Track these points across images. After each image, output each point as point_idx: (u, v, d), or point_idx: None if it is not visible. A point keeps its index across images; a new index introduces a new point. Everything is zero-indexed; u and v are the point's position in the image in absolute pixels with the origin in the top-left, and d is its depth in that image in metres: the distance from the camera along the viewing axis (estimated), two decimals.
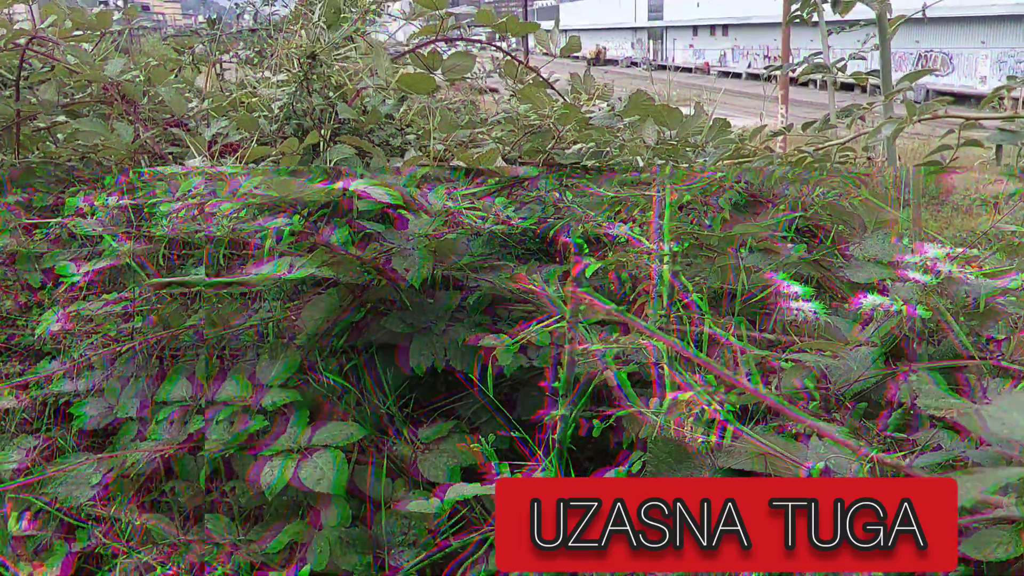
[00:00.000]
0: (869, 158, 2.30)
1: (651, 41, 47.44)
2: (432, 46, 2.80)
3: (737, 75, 34.66)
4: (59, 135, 3.11)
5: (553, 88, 2.89)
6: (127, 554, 1.97)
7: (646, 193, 2.01)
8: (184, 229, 2.15)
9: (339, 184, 1.99)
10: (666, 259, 1.33)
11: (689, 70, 38.84)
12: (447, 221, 2.14)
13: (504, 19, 2.74)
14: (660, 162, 2.15)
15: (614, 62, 43.14)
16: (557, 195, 2.40)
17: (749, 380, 1.52)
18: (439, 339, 2.24)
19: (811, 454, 1.35)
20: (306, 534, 2.07)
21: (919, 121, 1.66)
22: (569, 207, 2.25)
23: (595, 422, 1.62)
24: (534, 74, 2.94)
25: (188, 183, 2.05)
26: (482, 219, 2.10)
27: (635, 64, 40.87)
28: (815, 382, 1.63)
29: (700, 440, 1.54)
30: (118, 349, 2.35)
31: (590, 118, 2.45)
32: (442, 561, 2.05)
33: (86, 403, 2.31)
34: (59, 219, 2.55)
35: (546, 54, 2.96)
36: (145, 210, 2.21)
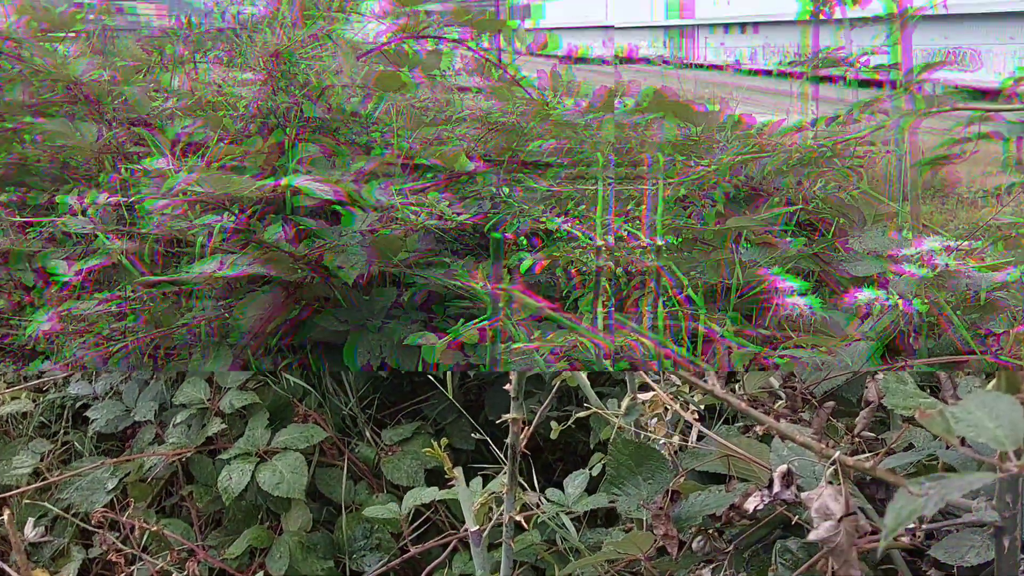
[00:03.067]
0: (888, 152, 2.21)
1: (683, 39, 47.18)
2: (400, 44, 2.72)
3: (768, 72, 34.31)
4: (26, 136, 3.01)
5: (521, 85, 2.80)
6: (142, 560, 1.90)
7: (580, 188, 1.92)
8: (170, 226, 2.07)
9: (272, 180, 1.90)
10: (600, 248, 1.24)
11: (720, 68, 38.50)
12: (382, 217, 2.05)
13: (470, 16, 2.66)
14: (682, 158, 2.06)
15: (646, 60, 42.81)
16: (495, 190, 2.30)
17: (718, 381, 1.43)
18: (375, 337, 2.14)
19: (774, 456, 1.27)
20: (267, 539, 1.98)
21: (934, 114, 1.57)
22: (508, 201, 2.16)
23: (552, 424, 1.54)
24: (503, 72, 2.86)
25: (173, 179, 1.96)
26: (416, 214, 2.01)
27: (667, 62, 40.52)
28: (781, 381, 1.54)
29: (662, 441, 1.46)
30: (110, 349, 2.27)
31: (560, 115, 2.37)
32: (407, 566, 1.97)
33: (103, 406, 2.23)
34: (51, 218, 2.47)
35: (521, 53, 2.88)
36: (136, 208, 2.13)
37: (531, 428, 1.47)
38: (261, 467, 1.94)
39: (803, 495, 1.12)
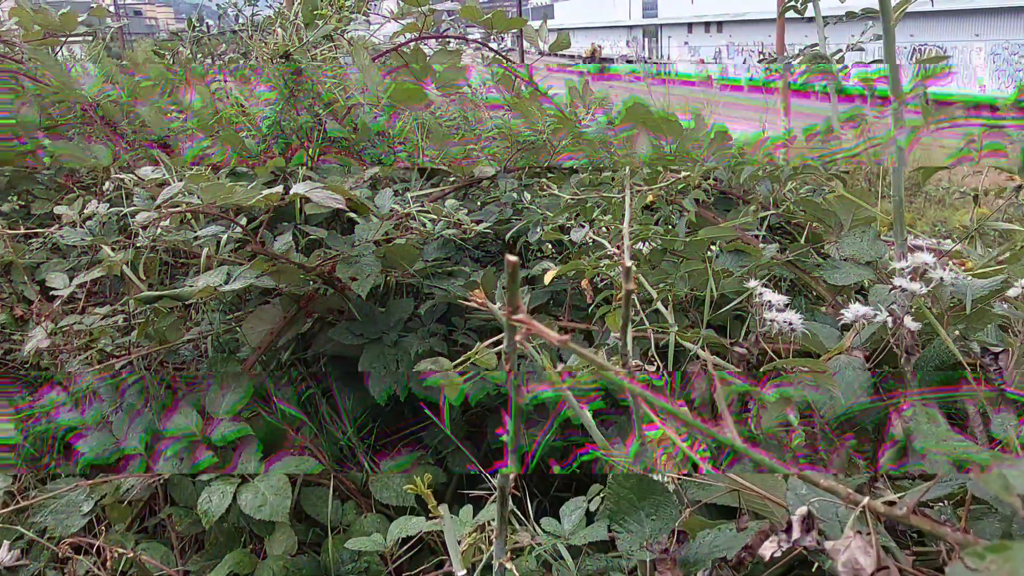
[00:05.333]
0: (878, 163, 2.05)
1: (646, 39, 46.73)
2: (416, 44, 2.56)
3: (739, 87, 33.99)
4: (46, 159, 2.83)
5: (548, 98, 2.64)
6: None
7: (605, 195, 1.76)
8: (169, 238, 1.91)
9: (278, 188, 1.73)
10: (629, 269, 1.08)
11: (692, 83, 38.10)
12: (397, 225, 1.90)
13: (490, 15, 2.51)
14: (650, 171, 1.91)
15: (609, 60, 42.21)
16: (516, 196, 2.15)
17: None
18: (391, 351, 1.99)
19: (792, 496, 1.11)
20: (249, 564, 1.82)
21: (944, 127, 1.42)
22: (529, 208, 2.00)
23: (551, 461, 1.38)
24: (532, 88, 2.69)
25: (167, 191, 1.79)
26: (433, 222, 1.85)
27: (630, 62, 40.04)
28: (798, 414, 1.38)
29: (669, 476, 1.30)
30: (113, 365, 2.11)
31: (583, 131, 2.20)
32: None
33: (90, 438, 2.06)
34: (49, 229, 2.30)
35: (540, 53, 2.73)
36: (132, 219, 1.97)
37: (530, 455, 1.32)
38: (243, 488, 1.80)
39: (828, 544, 0.98)
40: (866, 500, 0.95)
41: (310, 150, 2.24)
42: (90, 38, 3.40)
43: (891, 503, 1.01)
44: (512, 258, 0.90)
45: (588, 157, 2.20)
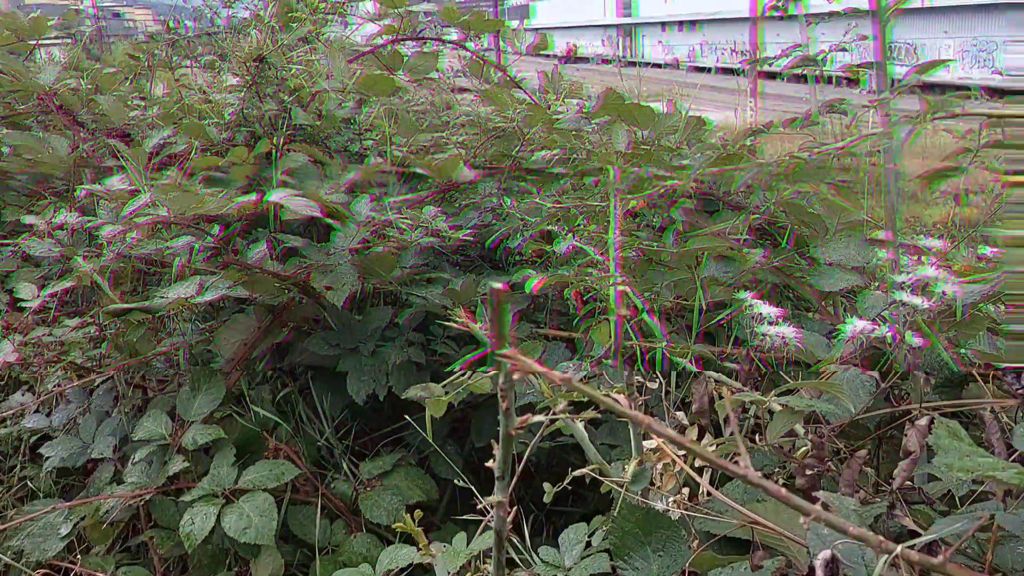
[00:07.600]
0: (874, 164, 1.94)
1: (622, 38, 46.37)
2: (394, 45, 2.42)
3: (708, 70, 33.97)
4: (3, 149, 2.66)
5: (521, 87, 2.51)
6: None
7: (588, 203, 1.64)
8: (137, 250, 1.77)
9: (252, 195, 1.60)
10: (625, 294, 0.97)
11: (660, 65, 37.99)
12: (375, 232, 1.77)
13: (469, 16, 2.38)
14: (634, 170, 1.78)
15: (586, 59, 41.97)
16: (496, 200, 2.02)
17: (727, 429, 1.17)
18: (368, 361, 1.86)
19: (813, 536, 1.00)
20: None
21: (935, 120, 1.31)
22: (510, 213, 1.87)
23: (546, 485, 1.27)
24: (502, 73, 2.56)
25: (130, 203, 1.64)
26: (411, 229, 1.72)
27: (607, 61, 39.82)
28: (805, 426, 1.28)
29: (671, 500, 1.19)
30: (85, 378, 1.96)
31: (557, 120, 2.07)
32: None
33: (58, 442, 1.95)
34: (17, 240, 2.14)
35: (515, 53, 2.60)
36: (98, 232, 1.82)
37: (522, 463, 1.21)
38: (227, 510, 1.68)
39: None
40: (899, 549, 0.84)
41: (275, 139, 2.10)
42: (68, 40, 3.23)
43: (913, 543, 0.91)
44: (498, 285, 0.78)
45: (561, 148, 2.08)
